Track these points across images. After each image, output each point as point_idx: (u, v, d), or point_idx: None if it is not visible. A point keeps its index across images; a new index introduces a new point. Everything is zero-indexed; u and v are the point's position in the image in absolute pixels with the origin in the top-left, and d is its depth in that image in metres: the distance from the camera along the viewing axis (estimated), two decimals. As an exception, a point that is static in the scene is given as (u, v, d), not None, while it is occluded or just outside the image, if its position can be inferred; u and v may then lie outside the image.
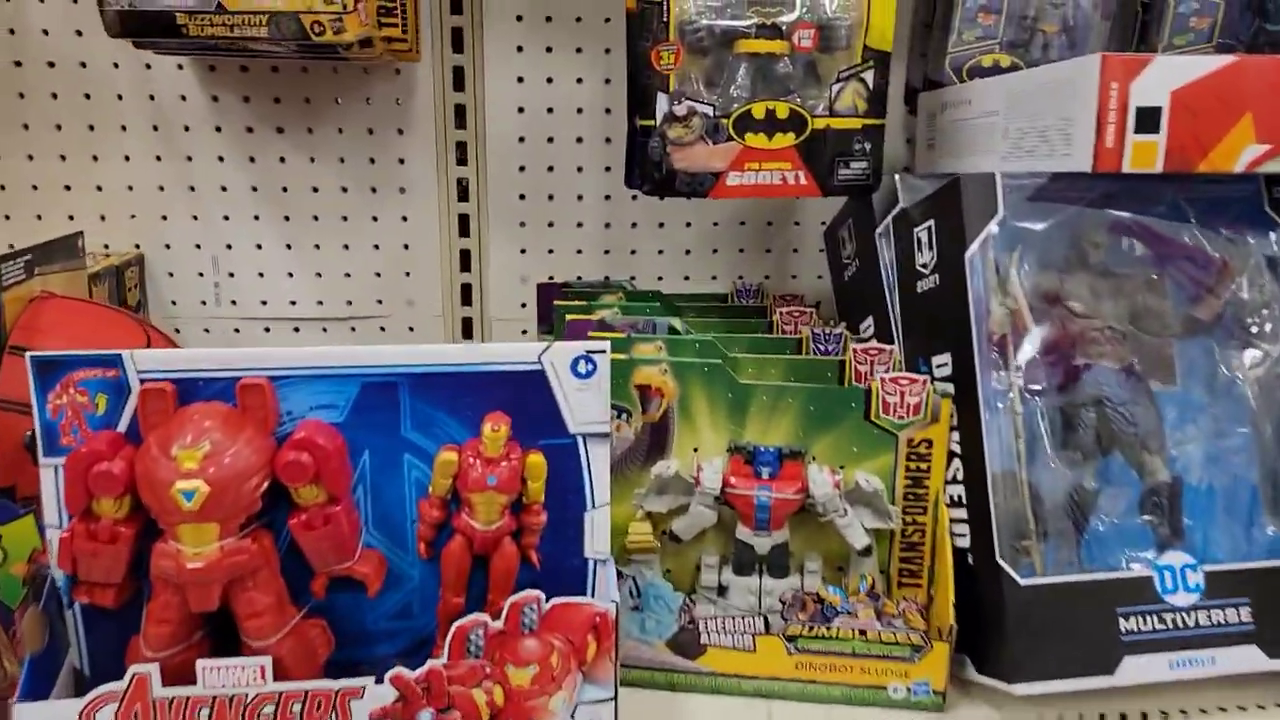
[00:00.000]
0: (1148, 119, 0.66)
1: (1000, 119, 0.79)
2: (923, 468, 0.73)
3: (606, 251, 1.05)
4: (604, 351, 0.64)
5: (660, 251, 1.06)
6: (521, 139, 1.01)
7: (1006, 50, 0.94)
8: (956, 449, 0.72)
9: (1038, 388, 0.72)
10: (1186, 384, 0.77)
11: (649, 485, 0.74)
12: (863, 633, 0.69)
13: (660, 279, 1.07)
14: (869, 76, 0.82)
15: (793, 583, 0.73)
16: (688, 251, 1.07)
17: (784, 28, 0.80)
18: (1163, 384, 0.77)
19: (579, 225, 1.04)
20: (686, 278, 1.07)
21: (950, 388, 0.72)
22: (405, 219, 1.01)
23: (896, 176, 0.88)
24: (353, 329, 1.04)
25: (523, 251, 1.04)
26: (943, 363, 0.74)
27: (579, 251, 1.05)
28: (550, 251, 1.04)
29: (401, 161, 1.00)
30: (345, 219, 1.01)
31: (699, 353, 0.78)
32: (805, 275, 1.09)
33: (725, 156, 0.80)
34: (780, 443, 0.73)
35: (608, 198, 1.03)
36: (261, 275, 1.02)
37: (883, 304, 0.85)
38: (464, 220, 1.02)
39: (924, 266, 0.76)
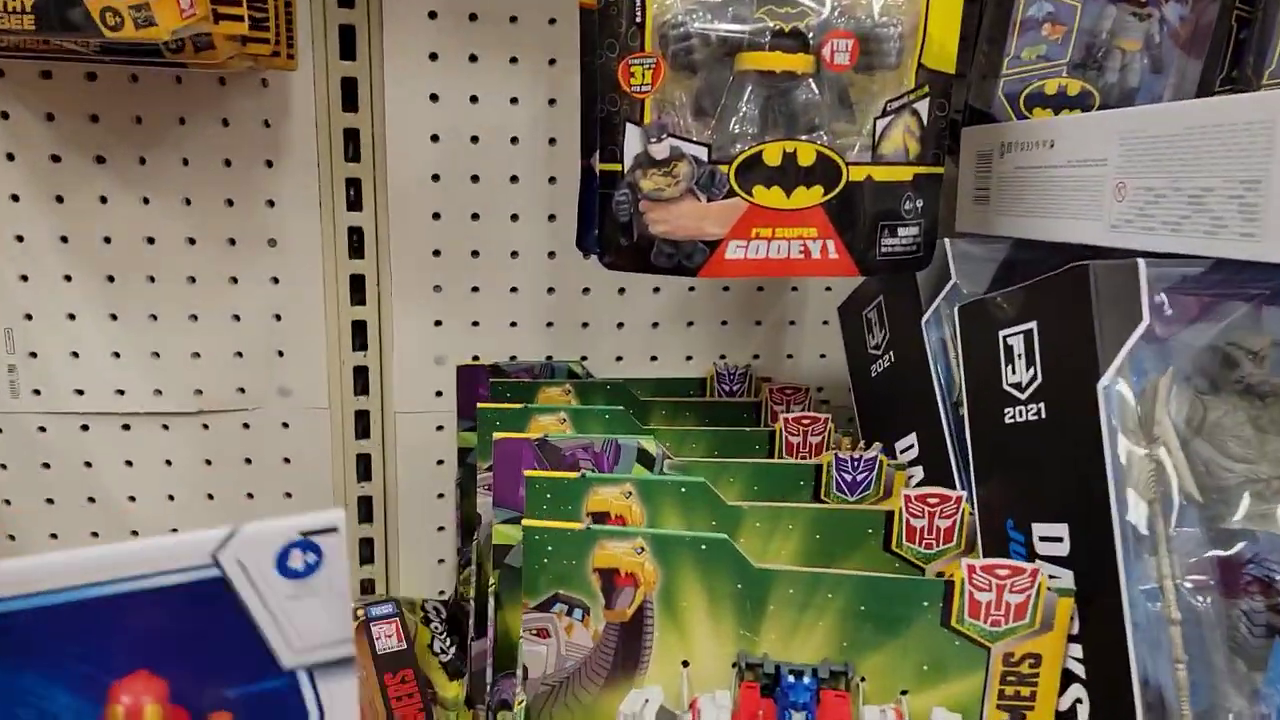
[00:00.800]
0: (1381, 187, 0.44)
1: (1110, 171, 0.56)
2: (1023, 694, 0.49)
3: (549, 324, 0.80)
4: (333, 530, 0.40)
5: (619, 324, 0.81)
6: (436, 177, 0.75)
7: (1074, 73, 0.72)
8: (1077, 670, 0.49)
9: (1199, 579, 0.49)
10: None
11: None
12: None
13: (619, 359, 0.82)
14: (923, 108, 0.58)
15: None
16: (655, 324, 0.82)
17: (809, 36, 0.56)
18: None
19: (513, 290, 0.78)
20: (654, 358, 0.83)
21: (1069, 579, 0.49)
22: (276, 280, 0.75)
23: (947, 243, 0.65)
24: (204, 426, 0.77)
25: (438, 324, 0.78)
26: (1053, 534, 0.50)
27: (513, 324, 0.79)
28: (475, 324, 0.78)
29: (271, 204, 0.74)
30: (192, 280, 0.74)
31: (683, 500, 0.54)
32: (805, 354, 0.85)
33: (724, 219, 0.56)
34: (813, 656, 0.49)
35: (551, 255, 0.78)
36: (76, 355, 0.75)
37: (934, 421, 0.62)
38: (358, 282, 0.76)
39: (1016, 388, 0.52)
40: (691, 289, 0.82)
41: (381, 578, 0.81)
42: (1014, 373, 0.52)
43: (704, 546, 0.50)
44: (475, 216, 0.76)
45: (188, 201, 0.73)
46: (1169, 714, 0.47)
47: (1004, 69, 0.72)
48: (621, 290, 0.81)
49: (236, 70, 0.69)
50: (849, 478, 0.62)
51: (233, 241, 0.74)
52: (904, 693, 0.49)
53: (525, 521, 0.52)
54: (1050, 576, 0.50)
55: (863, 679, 0.50)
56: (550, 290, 0.79)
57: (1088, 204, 0.58)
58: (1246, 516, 0.51)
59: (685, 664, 0.51)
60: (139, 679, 0.37)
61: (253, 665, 0.41)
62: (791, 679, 0.48)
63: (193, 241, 0.73)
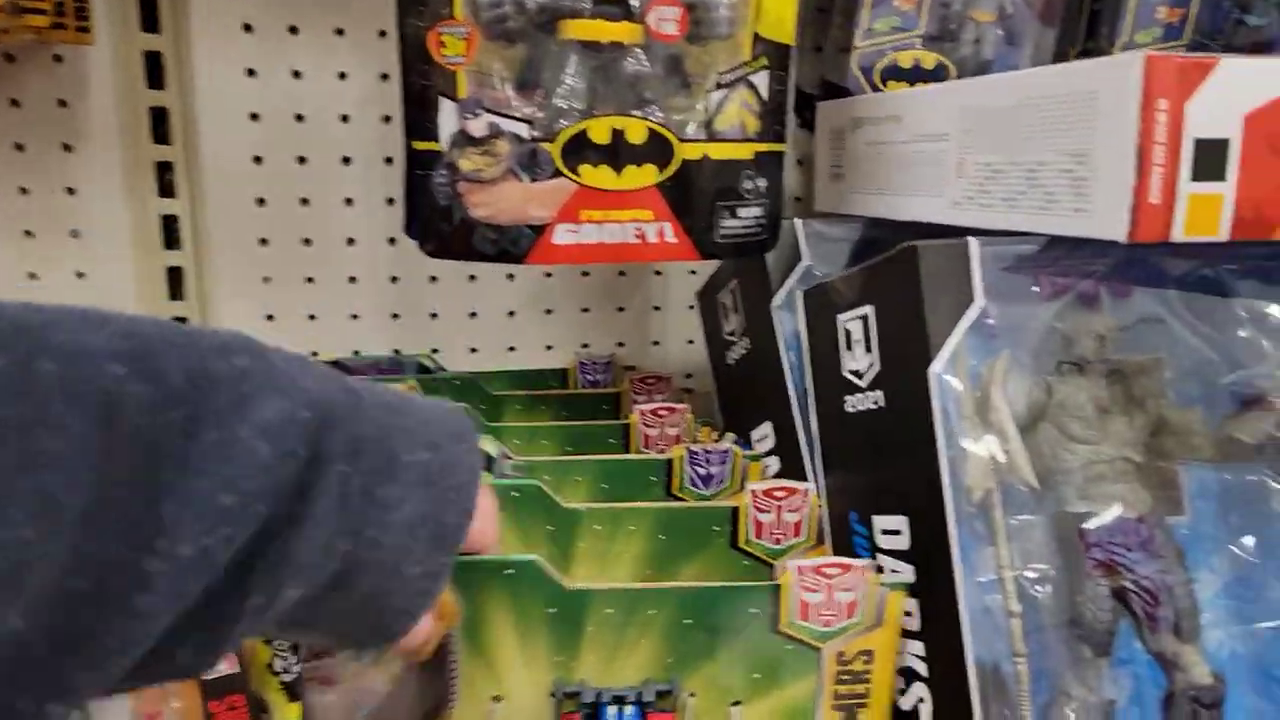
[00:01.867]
0: (1210, 159, 0.42)
1: (952, 147, 0.54)
2: (858, 691, 0.47)
3: (395, 315, 0.75)
4: None
5: (472, 314, 0.77)
6: (258, 159, 0.69)
7: (929, 45, 0.70)
8: (920, 669, 0.46)
9: (1040, 569, 0.47)
10: (1197, 508, 0.55)
11: None
12: None
13: (474, 351, 0.78)
14: (762, 81, 0.55)
15: None
16: (511, 313, 0.78)
17: (634, 4, 0.52)
18: (1168, 513, 0.54)
19: (351, 280, 0.73)
20: (511, 348, 0.79)
21: (903, 573, 0.46)
22: (81, 275, 0.68)
23: (798, 223, 0.62)
24: (11, 438, 0.70)
25: (269, 319, 0.73)
26: (892, 527, 0.48)
27: (354, 317, 0.74)
28: (312, 318, 0.73)
29: (71, 192, 0.67)
30: (-14, 278, 0.67)
31: (516, 505, 0.50)
32: (671, 340, 0.82)
33: (551, 201, 0.52)
34: (636, 677, 0.46)
35: (392, 241, 0.73)
36: None
37: (785, 409, 0.59)
38: (175, 276, 0.70)
39: (856, 374, 0.50)
40: (549, 274, 0.78)
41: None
42: (854, 359, 0.50)
43: (510, 571, 0.45)
44: (305, 201, 0.70)
45: (-24, 190, 0.66)
46: (1010, 708, 0.46)
47: (857, 41, 0.69)
48: (473, 278, 0.76)
49: (20, 44, 0.62)
50: (702, 471, 0.59)
51: (29, 233, 0.67)
52: (736, 703, 0.47)
53: None
54: (891, 571, 0.48)
55: (692, 694, 0.47)
56: (394, 279, 0.74)
57: (932, 180, 0.56)
58: (1090, 498, 0.50)
59: (497, 699, 0.47)
60: None
61: None
62: (613, 710, 0.45)
63: (-16, 234, 0.66)
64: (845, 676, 0.47)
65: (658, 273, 0.81)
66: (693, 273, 0.81)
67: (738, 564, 0.55)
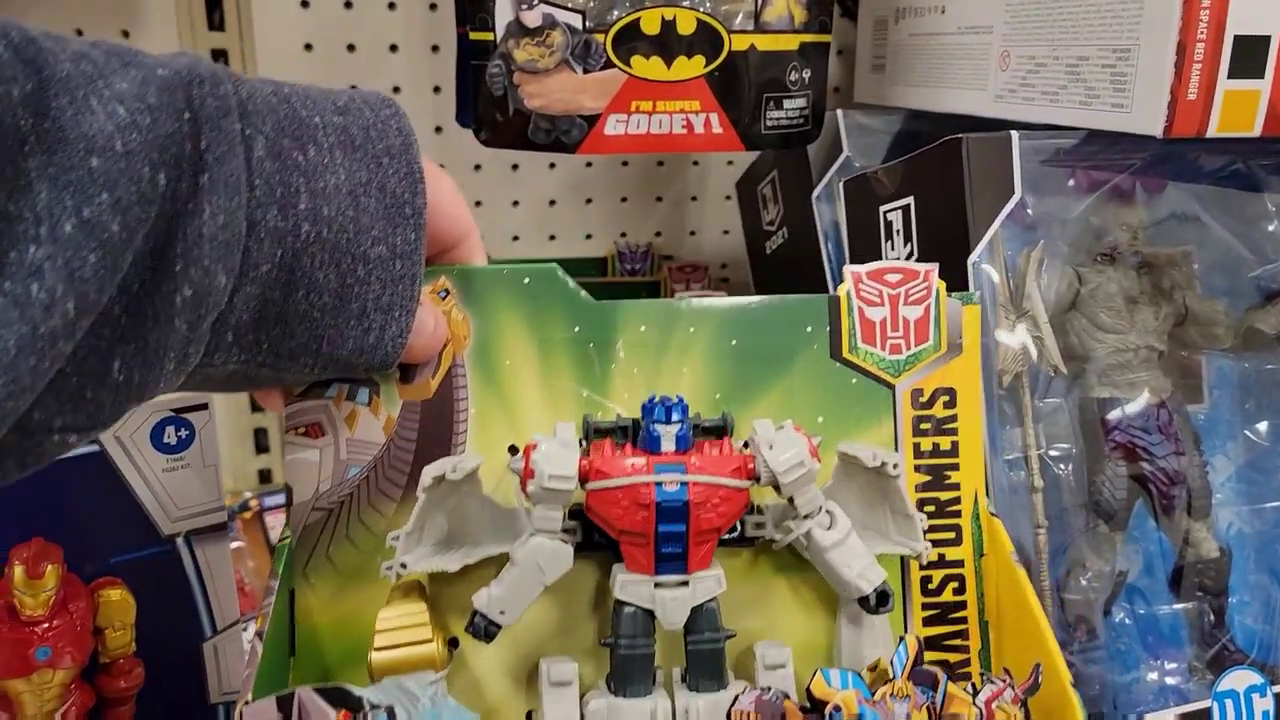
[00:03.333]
0: (1249, 56, 0.43)
1: (996, 40, 0.55)
2: (941, 445, 0.40)
3: (441, 203, 0.77)
4: (203, 407, 0.41)
5: (515, 203, 0.79)
6: (309, 46, 0.70)
7: (976, -67, 0.70)
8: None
9: (1063, 449, 0.50)
10: (1216, 397, 0.57)
11: (415, 515, 0.35)
12: None
13: (516, 239, 0.80)
14: (810, -31, 0.56)
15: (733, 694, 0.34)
16: (552, 202, 0.80)
17: (688, -110, 0.52)
18: (1188, 401, 0.56)
19: (400, 169, 0.75)
20: (552, 237, 0.81)
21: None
22: (144, 162, 0.70)
23: (839, 114, 0.63)
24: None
25: (323, 205, 0.75)
26: (923, 409, 0.51)
27: (402, 204, 0.76)
28: (362, 205, 0.75)
29: (131, 79, 0.69)
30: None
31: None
32: (707, 231, 0.84)
33: (602, 91, 0.54)
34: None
35: (438, 130, 0.75)
36: None
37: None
38: (233, 164, 0.72)
39: (895, 263, 0.52)
40: (589, 164, 0.80)
41: (279, 465, 0.80)
42: (893, 249, 0.52)
43: (527, 280, 0.38)
44: (353, 89, 0.72)
45: (39, 76, 0.67)
46: (1030, 573, 0.49)
47: (903, -72, 0.69)
48: (515, 167, 0.78)
49: (77, -72, 0.63)
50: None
51: (92, 119, 0.69)
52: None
53: None
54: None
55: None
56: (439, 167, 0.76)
57: (975, 73, 0.57)
58: (1113, 384, 0.53)
59: (512, 450, 0.38)
60: (36, 544, 0.37)
61: (134, 534, 0.42)
62: (659, 406, 0.35)
63: (48, 120, 0.68)
64: (925, 426, 0.40)
65: (695, 163, 0.82)
66: (730, 163, 0.82)
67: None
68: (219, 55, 0.70)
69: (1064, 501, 0.51)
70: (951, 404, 0.40)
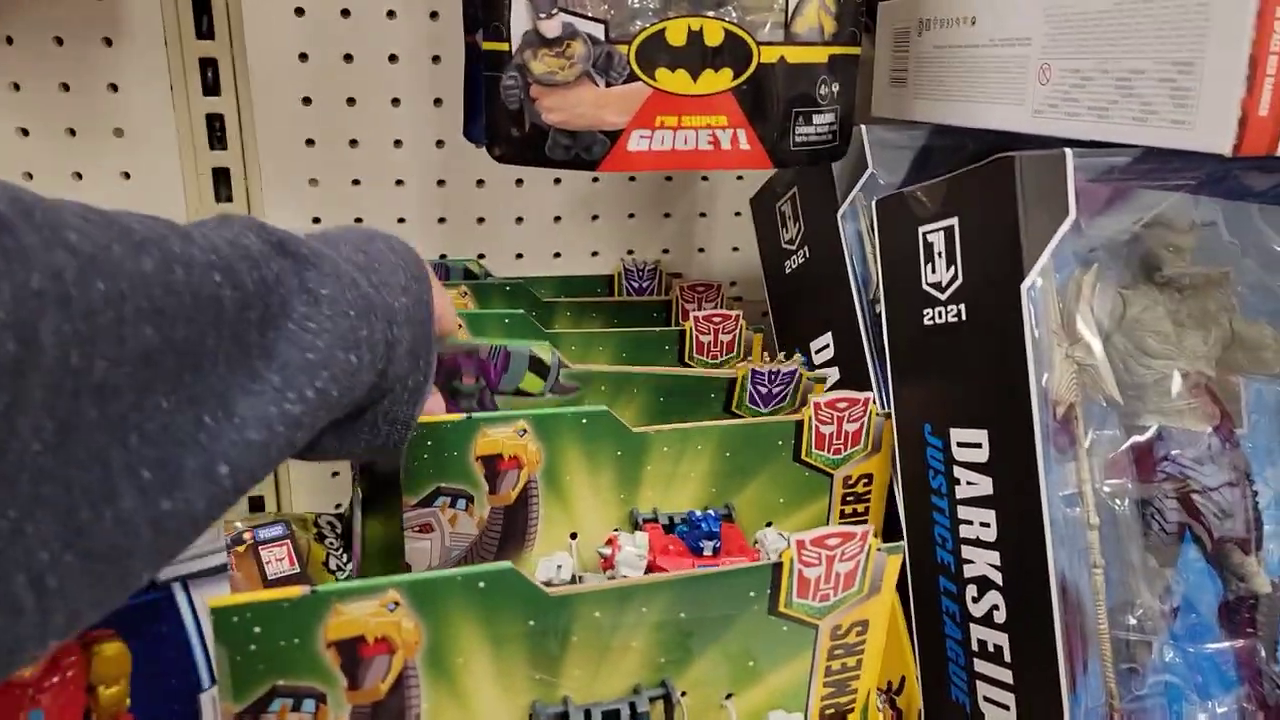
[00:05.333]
0: (1321, 70, 0.41)
1: (1034, 52, 0.52)
2: (849, 665, 0.48)
3: (441, 220, 0.74)
4: None
5: (519, 219, 0.76)
6: (304, 56, 0.67)
7: (997, -59, 0.67)
8: (993, 577, 0.47)
9: (1117, 483, 0.48)
10: (1254, 421, 0.55)
11: None
12: None
13: (519, 256, 0.77)
14: (840, -21, 0.53)
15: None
16: (557, 218, 0.77)
17: (715, -102, 0.50)
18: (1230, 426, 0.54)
19: (399, 184, 0.72)
20: (557, 254, 0.78)
21: (980, 485, 0.47)
22: (127, 175, 0.67)
23: (863, 129, 0.61)
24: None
25: (316, 220, 0.72)
26: (973, 440, 0.48)
27: (401, 220, 0.73)
28: (358, 220, 0.72)
29: (114, 88, 0.65)
30: (29, 176, 0.65)
31: (585, 432, 0.51)
32: (717, 248, 0.81)
33: (626, 106, 0.51)
34: (625, 686, 0.43)
35: (440, 144, 0.72)
36: None
37: (850, 319, 0.59)
38: (222, 177, 0.69)
39: (936, 288, 0.50)
40: (595, 180, 0.77)
41: (271, 494, 0.77)
42: (934, 272, 0.49)
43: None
44: (351, 101, 0.69)
45: (16, 87, 0.64)
46: (1084, 615, 0.47)
47: (923, -64, 0.67)
48: (519, 182, 0.75)
49: (58, -70, 0.60)
50: (764, 391, 0.59)
51: (72, 132, 0.65)
52: (729, 696, 0.46)
53: None
54: (968, 484, 0.49)
55: (683, 694, 0.45)
56: (440, 183, 0.73)
57: (1010, 87, 0.54)
58: (1162, 412, 0.50)
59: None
60: None
61: None
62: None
63: (25, 132, 0.65)
64: (839, 650, 0.46)
65: (704, 179, 0.79)
66: (739, 178, 0.80)
67: (800, 475, 0.55)
68: (208, 64, 0.66)
69: (1119, 534, 0.48)
70: (863, 632, 0.47)
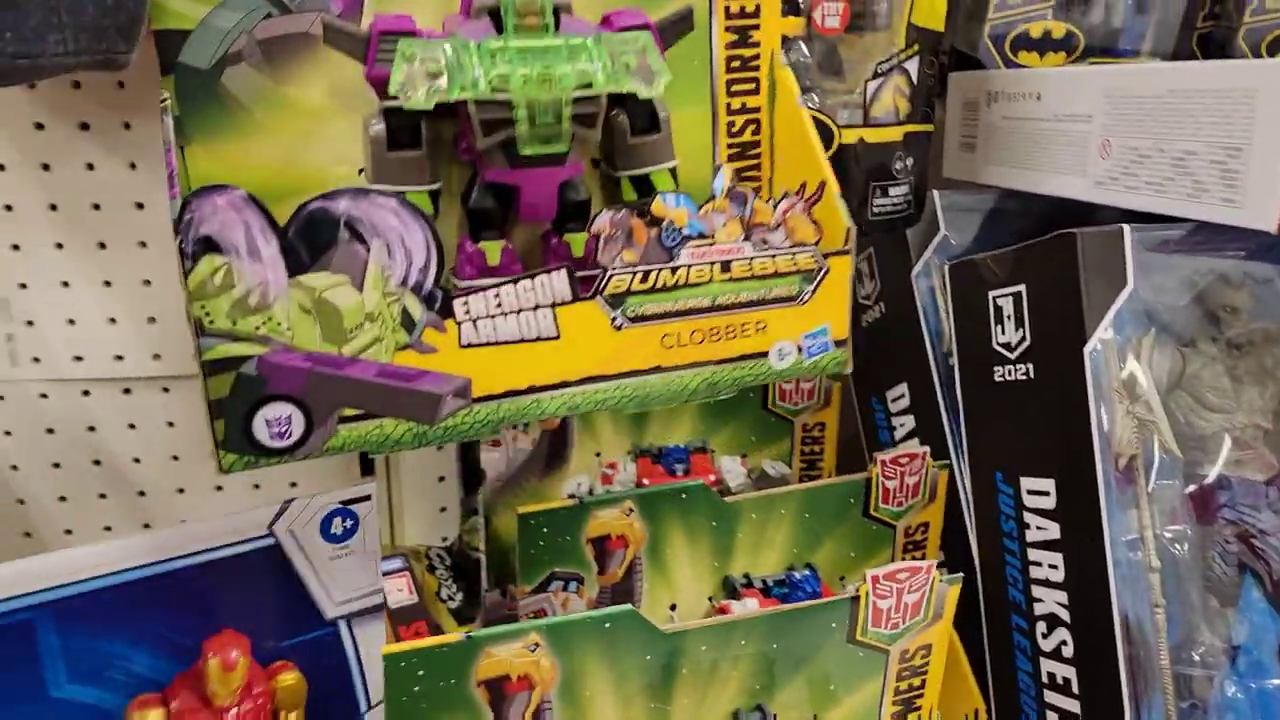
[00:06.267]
0: (1360, 154, 0.45)
1: (1095, 128, 0.57)
2: (915, 685, 0.54)
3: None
4: (367, 498, 0.47)
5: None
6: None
7: (1059, 15, 0.72)
8: (1062, 615, 0.52)
9: (1177, 529, 0.51)
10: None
11: None
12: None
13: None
14: (914, 66, 0.59)
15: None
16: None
17: (801, 1, 0.55)
18: None
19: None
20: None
21: (1048, 530, 0.51)
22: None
23: (936, 195, 0.66)
24: (206, 389, 0.78)
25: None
26: (1039, 488, 0.52)
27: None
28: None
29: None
30: None
31: (683, 506, 0.56)
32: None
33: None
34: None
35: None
36: (72, 323, 0.75)
37: (925, 371, 0.64)
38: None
39: (1006, 347, 0.54)
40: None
41: (385, 529, 0.84)
42: (1003, 333, 0.54)
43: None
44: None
45: (175, 166, 0.72)
46: (1148, 651, 0.51)
47: (990, 12, 0.71)
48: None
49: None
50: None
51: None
52: (814, 717, 0.52)
53: (520, 509, 0.52)
54: (1037, 529, 0.53)
55: (774, 715, 0.51)
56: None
57: (1073, 159, 0.59)
58: (1223, 464, 0.54)
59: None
60: (228, 636, 0.41)
61: (302, 618, 0.45)
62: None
63: (182, 206, 0.73)
64: (906, 672, 0.52)
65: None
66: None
67: (868, 530, 0.60)
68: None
69: (1179, 574, 0.52)
70: (927, 655, 0.51)
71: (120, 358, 0.76)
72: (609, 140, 0.45)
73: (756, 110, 0.51)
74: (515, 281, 0.38)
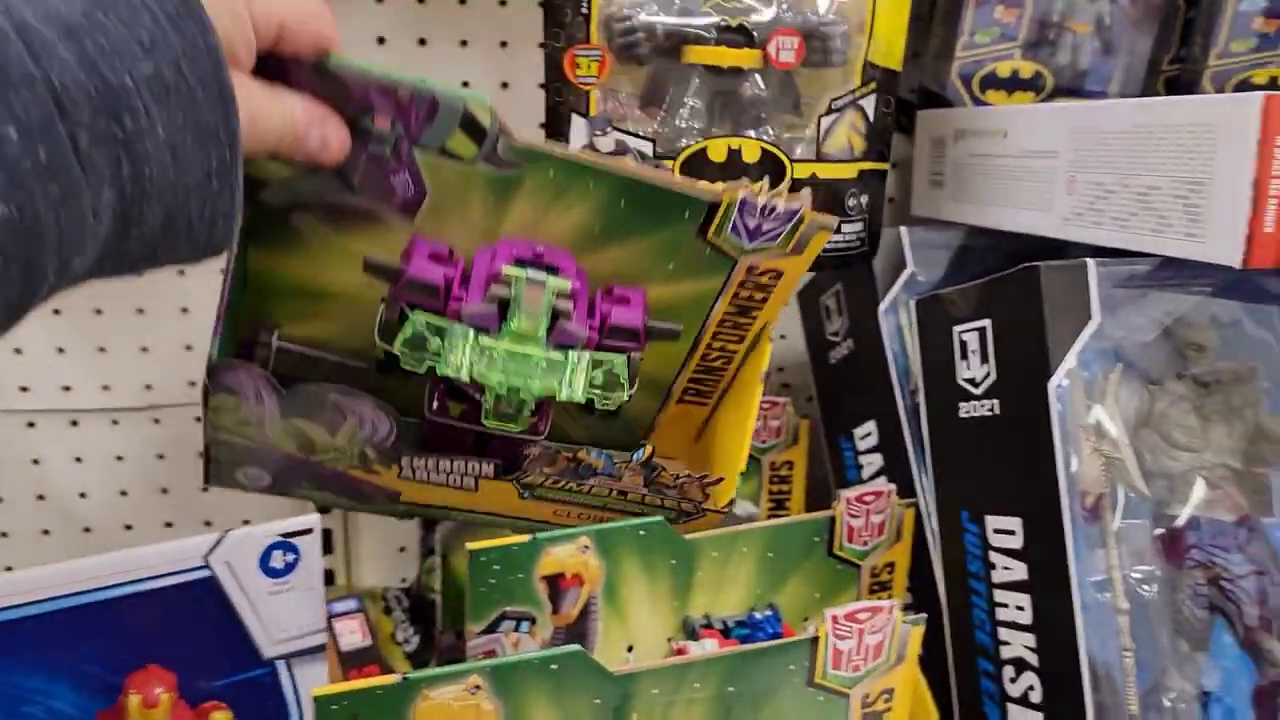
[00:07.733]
0: (1323, 189, 0.44)
1: (1061, 165, 0.56)
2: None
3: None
4: (309, 531, 0.45)
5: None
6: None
7: (1027, 55, 0.72)
8: (1030, 659, 0.50)
9: (1145, 570, 0.50)
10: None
11: None
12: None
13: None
14: (870, 104, 0.58)
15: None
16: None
17: (755, 33, 0.55)
18: (1260, 515, 0.56)
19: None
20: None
21: (1015, 570, 0.50)
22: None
23: (904, 231, 0.65)
24: (155, 421, 0.76)
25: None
26: (1005, 527, 0.51)
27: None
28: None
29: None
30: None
31: (641, 543, 0.52)
32: (763, 336, 0.85)
33: (677, 215, 0.55)
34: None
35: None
36: (19, 352, 0.73)
37: (892, 409, 0.63)
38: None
39: (971, 383, 0.53)
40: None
41: (341, 568, 0.81)
42: (968, 368, 0.53)
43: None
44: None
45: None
46: (1116, 698, 0.49)
47: (958, 51, 0.72)
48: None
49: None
50: (753, 225, 0.48)
51: (178, 234, 0.72)
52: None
53: (470, 545, 0.48)
54: (1004, 569, 0.51)
55: None
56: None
57: (1040, 195, 0.58)
58: (1190, 503, 0.53)
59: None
60: (152, 672, 0.39)
61: (238, 656, 0.43)
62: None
63: (136, 234, 0.71)
64: (868, 717, 0.49)
65: (752, 270, 0.84)
66: (786, 271, 0.84)
67: (832, 570, 0.56)
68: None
69: (1148, 617, 0.51)
70: (890, 699, 0.50)
71: (68, 388, 0.74)
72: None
73: (733, 355, 0.54)
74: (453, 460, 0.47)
